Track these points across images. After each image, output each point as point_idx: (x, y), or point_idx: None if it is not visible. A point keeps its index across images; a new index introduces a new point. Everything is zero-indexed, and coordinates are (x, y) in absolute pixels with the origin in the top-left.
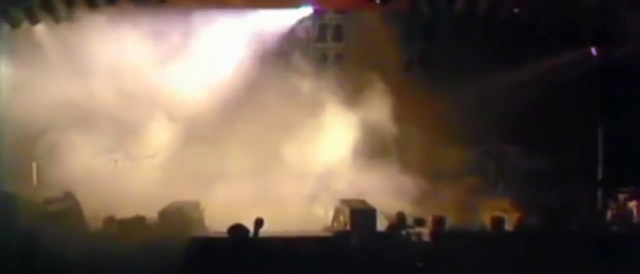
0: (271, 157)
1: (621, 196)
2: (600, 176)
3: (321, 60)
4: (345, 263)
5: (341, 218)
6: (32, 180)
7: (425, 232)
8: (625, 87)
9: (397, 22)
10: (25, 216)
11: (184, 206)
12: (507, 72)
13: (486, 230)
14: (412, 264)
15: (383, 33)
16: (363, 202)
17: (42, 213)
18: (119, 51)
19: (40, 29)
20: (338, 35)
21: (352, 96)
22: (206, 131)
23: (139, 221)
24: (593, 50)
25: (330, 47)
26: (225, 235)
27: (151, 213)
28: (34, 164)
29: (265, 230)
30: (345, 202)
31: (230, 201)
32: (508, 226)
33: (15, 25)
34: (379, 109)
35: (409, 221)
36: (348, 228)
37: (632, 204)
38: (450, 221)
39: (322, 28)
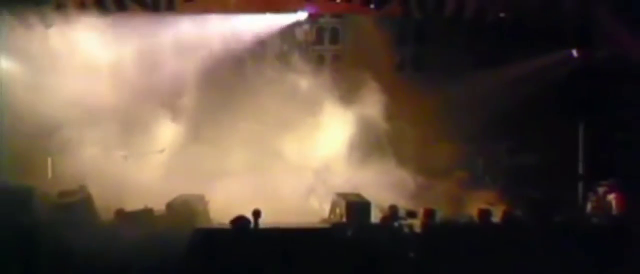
0: (271, 153)
1: (600, 190)
2: (580, 171)
3: (319, 62)
4: (341, 253)
5: (338, 210)
6: (47, 174)
7: (416, 224)
8: (603, 87)
9: (390, 25)
10: (41, 208)
11: (190, 199)
12: (494, 72)
13: (474, 222)
14: (405, 254)
15: (377, 36)
16: (358, 195)
17: (56, 205)
18: (127, 53)
19: (53, 31)
20: (335, 38)
21: (348, 95)
22: (210, 130)
23: (147, 212)
24: (574, 52)
25: (328, 49)
26: (228, 226)
27: (159, 205)
28: (49, 159)
29: (266, 222)
30: (342, 195)
31: (232, 194)
32: (495, 218)
33: (30, 28)
34: (374, 107)
35: (402, 213)
36: (344, 219)
37: (611, 196)
38: (441, 214)
39: (320, 31)
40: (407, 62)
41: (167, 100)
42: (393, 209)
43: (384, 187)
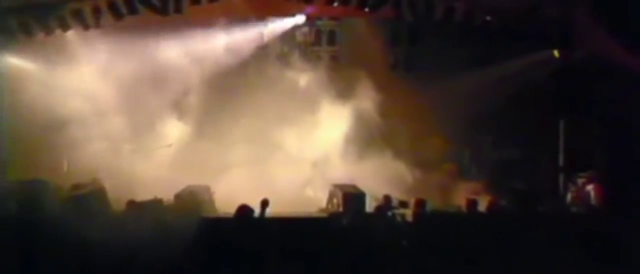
0: (272, 147)
1: (580, 181)
2: (561, 164)
3: (317, 62)
4: (338, 240)
5: (335, 200)
6: (59, 167)
7: (408, 213)
8: (582, 85)
9: (384, 28)
10: (56, 199)
11: (196, 190)
12: (481, 72)
13: (462, 211)
14: (397, 242)
15: (372, 37)
16: (354, 187)
17: (70, 197)
18: (137, 54)
19: (70, 34)
20: (332, 39)
21: (344, 93)
22: (214, 126)
23: (156, 203)
24: (555, 53)
25: (325, 50)
26: (232, 215)
27: (167, 196)
28: (65, 153)
29: (268, 211)
30: (338, 187)
31: (236, 185)
32: (481, 208)
33: (48, 32)
34: (368, 104)
35: (394, 203)
36: (341, 209)
37: (590, 187)
38: (431, 203)
39: (318, 33)
40: (400, 62)
41: (174, 99)
42: (386, 199)
43: (378, 178)
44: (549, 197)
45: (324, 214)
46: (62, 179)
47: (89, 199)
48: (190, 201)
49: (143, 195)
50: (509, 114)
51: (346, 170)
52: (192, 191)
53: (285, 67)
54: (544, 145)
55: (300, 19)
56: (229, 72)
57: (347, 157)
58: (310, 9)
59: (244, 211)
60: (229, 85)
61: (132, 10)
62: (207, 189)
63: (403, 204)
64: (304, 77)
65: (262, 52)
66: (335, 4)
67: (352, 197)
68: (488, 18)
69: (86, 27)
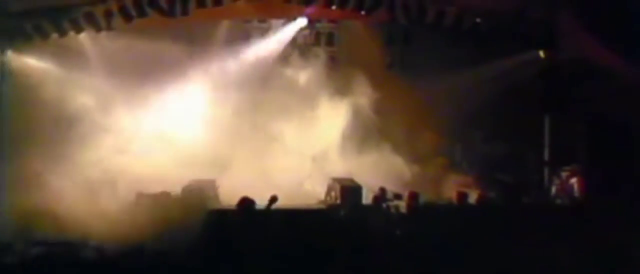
0: (274, 142)
1: (564, 174)
2: (546, 158)
3: (316, 61)
4: (336, 231)
5: (333, 193)
6: (71, 160)
7: (402, 205)
8: (566, 84)
9: (380, 29)
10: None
11: (202, 184)
12: (471, 71)
13: (453, 203)
14: (392, 232)
15: (368, 38)
16: (351, 180)
17: (87, 189)
18: (146, 54)
19: (83, 36)
20: (330, 41)
21: (342, 91)
22: (219, 122)
23: (165, 196)
24: (541, 54)
25: (324, 51)
26: (235, 208)
27: (175, 189)
28: (76, 147)
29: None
30: (336, 180)
31: (239, 179)
32: (471, 200)
33: (62, 34)
34: (365, 101)
35: (389, 195)
36: (338, 201)
37: (573, 180)
38: (424, 196)
39: (317, 35)
40: (395, 61)
41: (181, 95)
42: (381, 192)
43: (374, 172)
44: (535, 189)
45: (323, 206)
46: (73, 171)
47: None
48: (196, 194)
49: (152, 188)
50: (497, 111)
51: (344, 164)
52: (198, 185)
53: (286, 66)
54: (530, 141)
55: (302, 22)
56: (233, 72)
57: (345, 152)
58: (309, 11)
59: (246, 203)
60: (233, 83)
61: (142, 13)
62: (212, 183)
63: (397, 197)
64: (304, 76)
65: (266, 53)
66: (333, 7)
67: (349, 190)
68: (477, 20)
69: (98, 29)
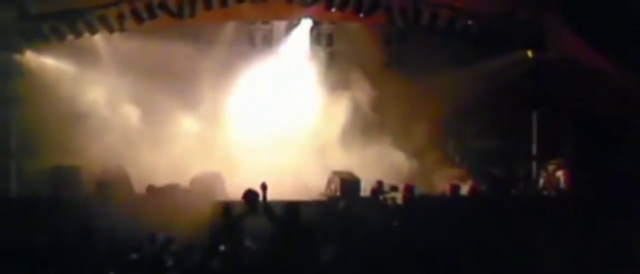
0: (278, 136)
1: (550, 167)
2: (534, 152)
3: (317, 60)
4: (335, 221)
5: (333, 186)
6: (85, 154)
7: (398, 197)
8: (553, 82)
9: (378, 30)
10: (86, 184)
11: (209, 176)
12: (463, 70)
13: (446, 195)
14: (389, 223)
15: (366, 39)
16: (350, 173)
17: (100, 182)
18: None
19: (97, 37)
20: (330, 41)
21: (342, 88)
22: (224, 117)
23: (173, 187)
24: (529, 54)
25: (326, 50)
26: (241, 200)
27: (183, 181)
28: (88, 142)
29: (271, 196)
30: (336, 173)
31: (244, 172)
32: (463, 192)
33: (78, 35)
34: (363, 98)
35: (386, 188)
36: (338, 193)
37: (559, 173)
38: (418, 188)
39: (318, 35)
40: (392, 60)
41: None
42: (379, 185)
43: (372, 165)
44: (523, 182)
45: (323, 198)
46: (86, 165)
47: (114, 184)
48: (203, 186)
49: (161, 180)
50: (488, 108)
51: (343, 157)
52: (206, 177)
53: (289, 64)
54: (519, 136)
55: (308, 23)
56: (238, 69)
57: (344, 146)
58: (310, 13)
59: (250, 195)
60: (238, 80)
61: (152, 15)
62: (218, 175)
63: (394, 189)
64: (305, 74)
65: (270, 51)
66: (333, 10)
67: (348, 183)
68: (469, 23)
69: (111, 30)
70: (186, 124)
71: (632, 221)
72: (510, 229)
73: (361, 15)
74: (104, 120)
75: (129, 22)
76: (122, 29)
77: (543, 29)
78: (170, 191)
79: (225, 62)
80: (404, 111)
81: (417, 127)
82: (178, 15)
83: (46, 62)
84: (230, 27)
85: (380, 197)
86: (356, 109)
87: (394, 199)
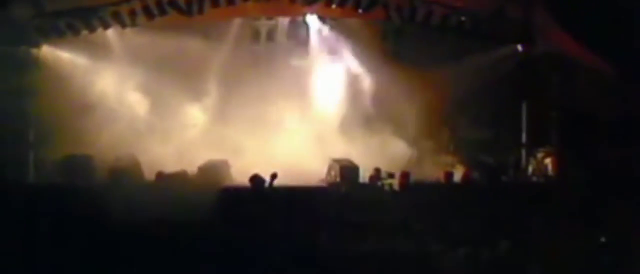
0: (281, 126)
1: (539, 155)
2: (523, 141)
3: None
4: (335, 206)
5: (333, 173)
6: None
7: (395, 183)
8: (541, 75)
9: (376, 25)
10: (100, 171)
11: (217, 164)
12: (456, 63)
13: (440, 182)
14: (386, 207)
15: (365, 33)
16: (349, 161)
17: (113, 169)
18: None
19: (110, 32)
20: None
21: (343, 80)
22: (230, 109)
23: (183, 174)
24: (519, 48)
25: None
26: (247, 186)
27: (192, 168)
28: (100, 132)
29: (275, 182)
30: (336, 160)
31: (250, 160)
32: (456, 179)
33: (92, 30)
34: (363, 90)
35: (383, 175)
36: (338, 180)
37: (547, 161)
38: (414, 175)
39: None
40: (390, 54)
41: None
42: (376, 172)
43: (370, 153)
44: (513, 169)
45: (324, 185)
46: (98, 154)
47: (126, 171)
48: (211, 173)
49: (171, 167)
50: (480, 99)
51: (343, 146)
52: (213, 164)
53: (291, 57)
54: (509, 125)
55: (314, 18)
56: (243, 63)
57: (344, 134)
58: (311, 10)
59: (256, 180)
60: (243, 73)
61: (162, 12)
62: (225, 162)
63: (391, 176)
64: (308, 67)
65: (273, 45)
66: (333, 6)
67: (347, 169)
68: (462, 19)
69: (123, 26)
70: (194, 115)
71: (617, 206)
72: (500, 213)
73: (360, 11)
74: (116, 111)
75: (141, 18)
76: (134, 25)
77: (532, 24)
78: (178, 177)
79: (231, 56)
80: (400, 102)
81: (413, 118)
82: (187, 12)
83: (62, 56)
84: (236, 24)
85: (378, 183)
86: (355, 99)
87: (390, 185)
